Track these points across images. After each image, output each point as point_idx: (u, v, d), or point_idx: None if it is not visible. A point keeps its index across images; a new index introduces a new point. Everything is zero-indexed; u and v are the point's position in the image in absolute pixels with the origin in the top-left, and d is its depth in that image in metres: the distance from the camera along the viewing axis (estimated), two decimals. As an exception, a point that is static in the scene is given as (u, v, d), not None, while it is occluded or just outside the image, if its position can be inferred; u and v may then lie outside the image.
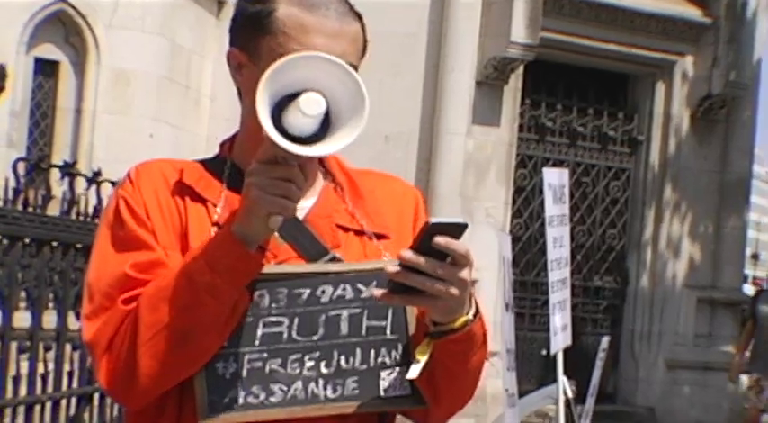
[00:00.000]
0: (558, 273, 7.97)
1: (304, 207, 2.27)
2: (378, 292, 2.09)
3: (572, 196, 9.92)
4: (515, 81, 12.79)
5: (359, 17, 2.29)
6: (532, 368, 13.01)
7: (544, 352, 12.56)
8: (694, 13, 14.09)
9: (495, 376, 11.77)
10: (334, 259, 2.24)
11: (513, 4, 12.14)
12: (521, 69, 12.70)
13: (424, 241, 2.03)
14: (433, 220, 2.04)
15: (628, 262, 14.50)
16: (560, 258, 8.00)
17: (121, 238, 2.21)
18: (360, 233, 2.31)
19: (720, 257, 14.47)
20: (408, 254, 2.03)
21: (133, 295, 2.15)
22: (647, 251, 14.36)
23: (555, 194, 7.87)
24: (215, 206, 2.23)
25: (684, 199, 14.38)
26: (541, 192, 12.86)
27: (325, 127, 2.06)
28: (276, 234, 2.18)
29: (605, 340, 8.88)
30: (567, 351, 8.32)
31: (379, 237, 2.31)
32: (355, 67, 2.23)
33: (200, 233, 2.19)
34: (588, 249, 14.27)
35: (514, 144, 13.04)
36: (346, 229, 2.30)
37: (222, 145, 2.35)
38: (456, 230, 2.04)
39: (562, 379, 7.95)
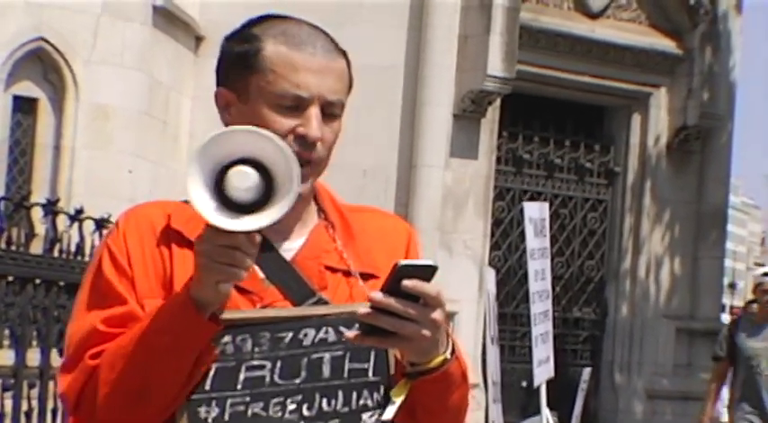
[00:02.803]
0: (541, 305, 8.01)
1: (293, 248, 2.28)
2: (350, 333, 2.10)
3: (550, 228, 9.98)
4: (492, 114, 12.85)
5: (344, 55, 2.32)
6: (513, 400, 12.99)
7: (525, 384, 12.56)
8: (668, 45, 14.20)
9: (477, 409, 11.79)
10: (320, 301, 2.24)
11: (490, 37, 12.22)
12: (498, 102, 12.76)
13: (394, 283, 2.04)
14: (403, 262, 2.05)
15: (606, 293, 14.54)
16: (542, 291, 8.05)
17: (99, 290, 2.22)
18: (348, 274, 2.31)
19: (698, 287, 14.53)
20: (378, 296, 2.04)
21: (100, 351, 2.16)
22: (625, 282, 14.41)
23: (536, 228, 7.92)
24: None
25: (662, 229, 14.45)
26: (519, 224, 12.94)
27: (269, 193, 2.05)
28: (263, 276, 2.19)
29: (587, 372, 8.91)
30: (548, 383, 8.35)
31: (368, 276, 2.31)
32: (343, 103, 2.28)
33: (187, 278, 2.17)
34: (567, 281, 14.30)
35: (492, 176, 13.08)
36: (334, 270, 2.30)
37: None
38: (426, 272, 2.06)
39: (545, 411, 7.97)
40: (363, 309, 2.06)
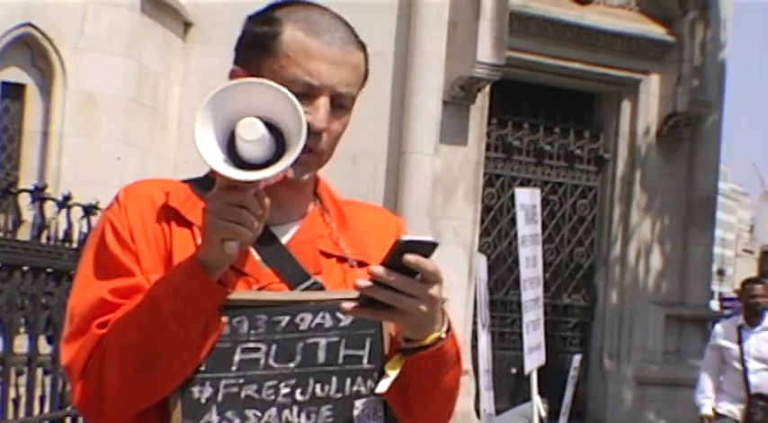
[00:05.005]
0: (532, 292, 7.99)
1: (288, 232, 2.29)
2: (347, 305, 2.10)
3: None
4: (482, 100, 12.82)
5: (363, 47, 2.35)
6: (503, 387, 13.00)
7: (515, 370, 12.56)
8: (658, 31, 14.19)
9: (465, 395, 11.78)
10: (314, 285, 2.24)
11: (479, 23, 12.19)
12: (487, 89, 12.73)
13: (395, 258, 2.04)
14: (404, 237, 2.06)
15: (596, 279, 14.55)
16: (533, 278, 8.03)
17: (104, 263, 2.22)
18: (342, 260, 2.31)
19: (688, 274, 14.54)
20: (379, 269, 2.05)
21: (108, 319, 2.15)
22: (614, 269, 14.42)
23: (527, 214, 7.89)
24: (200, 229, 2.21)
25: (651, 216, 14.46)
26: (509, 210, 12.92)
27: (280, 152, 2.05)
28: (258, 258, 2.19)
29: (577, 359, 8.89)
30: (538, 369, 8.34)
31: (361, 264, 2.31)
32: (353, 97, 2.28)
33: (185, 256, 2.17)
34: (556, 267, 14.30)
35: (482, 163, 13.07)
36: (329, 256, 2.31)
37: None
38: (426, 248, 2.06)
39: (536, 398, 7.96)
40: (363, 282, 2.06)
